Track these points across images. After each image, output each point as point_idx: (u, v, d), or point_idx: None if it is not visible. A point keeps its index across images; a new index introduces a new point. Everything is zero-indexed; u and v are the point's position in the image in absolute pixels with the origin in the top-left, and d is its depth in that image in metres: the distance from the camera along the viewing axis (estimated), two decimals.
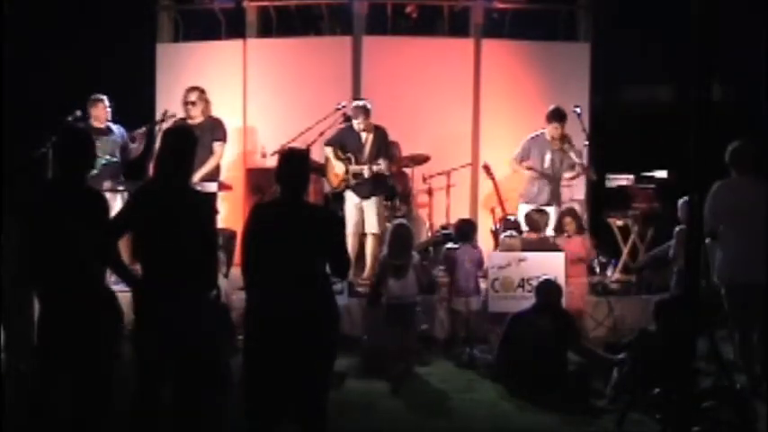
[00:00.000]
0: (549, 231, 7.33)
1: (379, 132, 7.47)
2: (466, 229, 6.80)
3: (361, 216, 7.46)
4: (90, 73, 8.65)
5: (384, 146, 7.46)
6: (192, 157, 4.36)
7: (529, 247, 6.88)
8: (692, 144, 4.05)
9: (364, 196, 7.47)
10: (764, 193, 5.52)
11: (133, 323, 4.28)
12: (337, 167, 7.48)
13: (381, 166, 7.28)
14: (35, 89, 8.37)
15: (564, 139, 7.61)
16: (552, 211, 7.53)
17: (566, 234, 7.01)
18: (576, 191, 8.23)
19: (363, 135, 7.46)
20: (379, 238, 7.44)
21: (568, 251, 6.72)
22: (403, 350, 6.21)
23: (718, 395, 4.83)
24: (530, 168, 7.63)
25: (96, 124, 7.61)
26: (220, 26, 8.88)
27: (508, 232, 7.06)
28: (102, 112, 7.66)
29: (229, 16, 8.87)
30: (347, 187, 7.50)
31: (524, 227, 7.26)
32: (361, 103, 7.53)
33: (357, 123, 7.43)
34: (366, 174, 7.35)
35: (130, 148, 7.69)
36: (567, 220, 7.04)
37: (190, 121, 7.33)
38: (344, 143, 7.49)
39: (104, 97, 7.70)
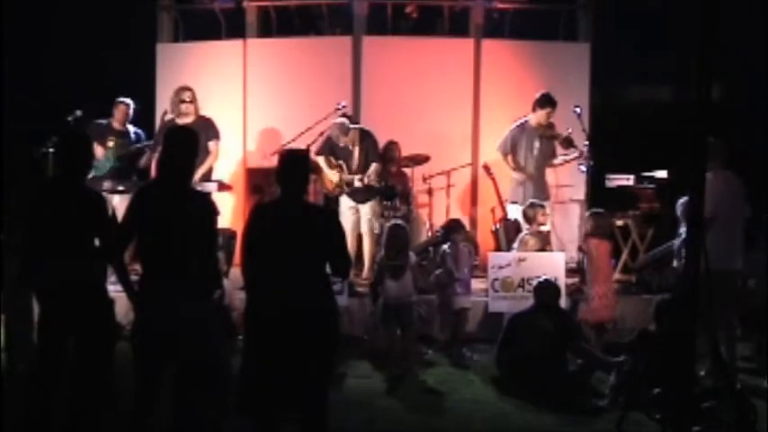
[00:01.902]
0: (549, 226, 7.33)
1: (367, 140, 7.53)
2: (451, 228, 6.83)
3: (357, 216, 7.50)
4: (90, 73, 8.66)
5: (373, 152, 7.52)
6: (194, 158, 4.35)
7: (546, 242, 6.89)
8: (692, 144, 4.05)
9: (359, 201, 7.53)
10: (737, 187, 6.05)
11: (133, 323, 4.28)
12: (331, 175, 7.53)
13: (371, 177, 7.37)
14: (35, 89, 8.37)
15: (550, 126, 7.63)
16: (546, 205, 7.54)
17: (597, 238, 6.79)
18: (576, 191, 8.23)
19: (350, 146, 7.52)
20: (374, 238, 7.45)
21: (601, 255, 6.69)
22: (403, 350, 6.22)
23: (718, 395, 4.83)
24: (515, 169, 7.63)
25: (115, 125, 7.78)
26: (220, 26, 8.88)
27: (527, 229, 7.04)
28: (121, 115, 7.82)
29: (229, 16, 8.87)
30: (341, 193, 7.54)
31: (524, 225, 7.25)
32: (338, 121, 7.50)
33: (341, 142, 7.47)
34: (357, 184, 7.43)
35: (146, 154, 7.66)
36: (598, 223, 6.84)
37: (180, 121, 7.32)
38: (335, 150, 7.53)
39: (128, 101, 7.85)
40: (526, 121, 7.69)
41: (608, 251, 6.71)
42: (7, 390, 5.04)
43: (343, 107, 7.63)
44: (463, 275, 6.60)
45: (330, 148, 7.55)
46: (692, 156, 4.07)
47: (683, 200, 6.45)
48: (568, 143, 7.70)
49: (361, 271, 7.50)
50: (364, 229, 7.48)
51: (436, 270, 6.77)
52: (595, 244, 6.65)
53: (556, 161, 7.80)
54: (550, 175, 7.87)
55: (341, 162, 7.51)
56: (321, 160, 7.50)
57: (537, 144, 7.64)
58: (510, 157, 7.70)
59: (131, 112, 7.85)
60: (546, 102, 7.60)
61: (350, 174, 7.49)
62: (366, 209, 7.53)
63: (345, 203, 7.54)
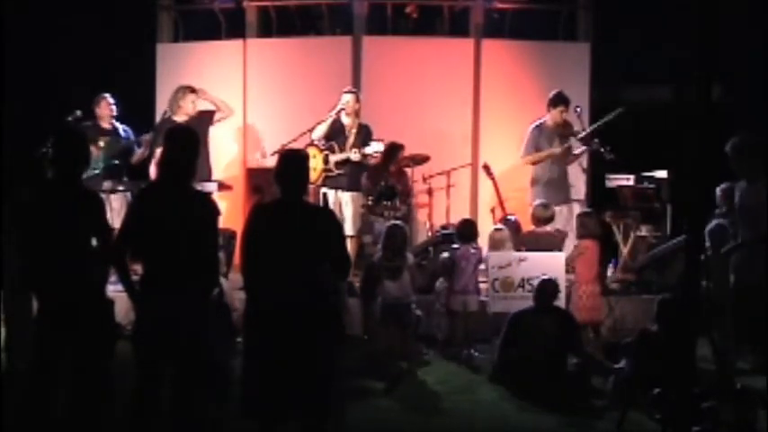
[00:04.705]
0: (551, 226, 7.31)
1: (365, 130, 7.53)
2: (466, 230, 6.78)
3: (341, 215, 7.38)
4: (90, 73, 8.66)
5: (368, 138, 7.47)
6: (195, 158, 4.34)
7: (534, 241, 6.87)
8: (693, 144, 4.04)
9: (341, 188, 7.44)
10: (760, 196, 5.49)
11: (133, 323, 4.28)
12: (313, 161, 7.37)
13: (374, 148, 7.29)
14: (35, 89, 8.38)
15: (566, 125, 7.63)
16: (573, 208, 7.54)
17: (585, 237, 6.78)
18: (575, 191, 8.22)
19: (349, 122, 7.49)
20: (357, 240, 7.44)
21: (589, 255, 6.67)
22: (402, 350, 6.21)
23: (719, 395, 4.83)
24: (535, 163, 7.61)
25: (103, 124, 7.77)
26: (220, 26, 8.88)
27: (495, 226, 7.05)
28: (105, 111, 7.78)
29: (229, 16, 8.87)
30: (326, 180, 7.46)
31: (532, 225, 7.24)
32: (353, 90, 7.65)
33: (348, 109, 7.46)
34: (353, 157, 7.34)
35: (136, 151, 7.73)
36: (584, 223, 6.85)
37: (179, 119, 7.37)
38: (326, 134, 7.50)
39: (107, 95, 7.82)
40: (543, 122, 7.68)
41: (596, 251, 6.70)
42: (7, 389, 5.04)
43: (343, 108, 7.62)
44: (473, 279, 6.59)
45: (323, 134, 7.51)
46: (693, 156, 4.07)
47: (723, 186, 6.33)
48: (586, 140, 7.70)
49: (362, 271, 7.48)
50: (347, 231, 7.13)
51: (438, 272, 6.76)
52: (585, 244, 6.65)
53: (570, 157, 7.80)
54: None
55: (332, 144, 7.46)
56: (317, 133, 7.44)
57: (556, 144, 7.63)
58: (528, 159, 7.68)
59: (114, 107, 7.83)
60: (559, 100, 7.61)
61: (342, 152, 7.42)
62: (348, 208, 7.45)
63: (329, 200, 7.45)
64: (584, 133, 7.65)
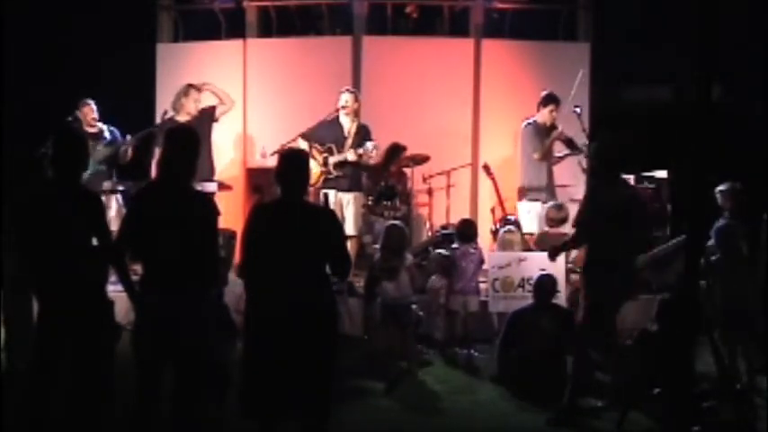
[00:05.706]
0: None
1: (363, 130, 7.51)
2: (466, 230, 6.77)
3: (342, 216, 7.39)
4: (90, 73, 8.66)
5: (368, 139, 7.47)
6: (195, 158, 4.34)
7: (543, 243, 6.86)
8: (693, 143, 4.05)
9: (342, 189, 7.45)
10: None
11: (133, 323, 4.28)
12: (312, 163, 7.29)
13: (368, 148, 7.28)
14: (35, 89, 8.38)
15: (555, 127, 7.67)
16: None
17: None
18: (575, 191, 8.22)
19: (347, 121, 7.48)
20: (357, 240, 7.44)
21: None
22: (402, 350, 6.21)
23: (719, 395, 4.83)
24: (545, 156, 7.63)
25: (88, 129, 7.67)
26: (220, 26, 8.88)
27: (506, 228, 7.05)
28: (88, 116, 7.72)
29: (229, 16, 8.88)
30: (326, 181, 7.46)
31: (544, 225, 7.23)
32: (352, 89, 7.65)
33: (345, 103, 7.44)
34: (350, 157, 7.34)
35: (121, 152, 7.66)
36: None
37: (181, 118, 7.38)
38: (323, 136, 7.49)
39: (91, 101, 7.76)
40: (535, 121, 7.73)
41: None
42: (7, 389, 5.04)
43: (343, 108, 7.62)
44: (474, 279, 6.58)
45: (319, 132, 7.50)
46: (693, 156, 4.07)
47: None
48: (570, 143, 7.74)
49: (363, 270, 7.47)
50: (348, 231, 7.11)
51: (435, 271, 6.75)
52: None
53: (553, 159, 7.83)
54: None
55: (330, 146, 7.45)
56: (304, 145, 7.40)
57: (546, 143, 7.67)
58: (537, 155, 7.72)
59: (95, 110, 7.77)
60: (550, 99, 7.68)
61: (340, 154, 7.42)
62: (349, 209, 7.45)
63: (331, 202, 7.45)
64: (582, 142, 7.68)
